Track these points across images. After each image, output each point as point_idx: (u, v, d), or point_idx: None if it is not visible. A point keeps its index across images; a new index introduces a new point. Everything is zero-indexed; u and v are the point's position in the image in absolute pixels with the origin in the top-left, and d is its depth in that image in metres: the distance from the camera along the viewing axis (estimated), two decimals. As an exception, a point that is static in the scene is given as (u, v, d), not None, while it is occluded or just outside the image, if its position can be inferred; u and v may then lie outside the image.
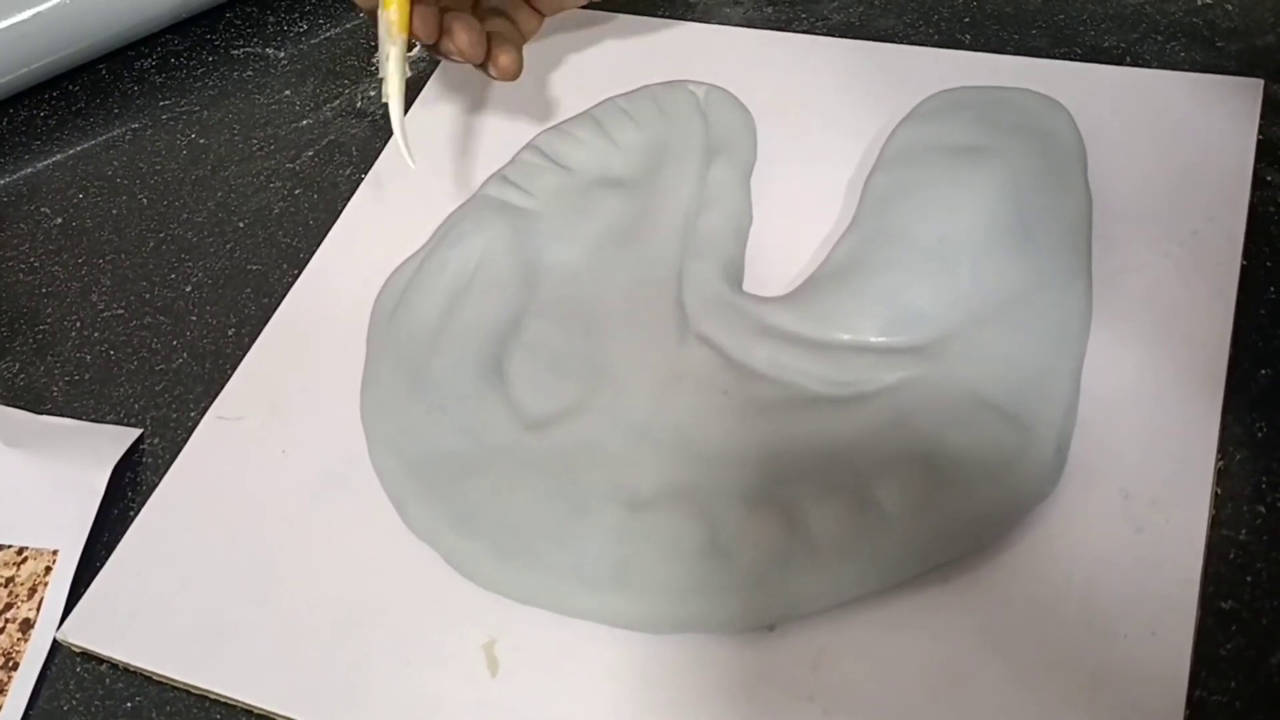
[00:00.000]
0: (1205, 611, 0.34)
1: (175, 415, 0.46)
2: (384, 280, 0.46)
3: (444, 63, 0.54)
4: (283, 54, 0.59)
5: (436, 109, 0.53)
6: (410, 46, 0.41)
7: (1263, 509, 0.36)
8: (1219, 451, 0.36)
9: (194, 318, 0.49)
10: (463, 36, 0.41)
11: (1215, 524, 0.36)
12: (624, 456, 0.39)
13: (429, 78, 0.54)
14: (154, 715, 0.38)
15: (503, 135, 0.50)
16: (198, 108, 0.58)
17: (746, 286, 0.43)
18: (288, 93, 0.57)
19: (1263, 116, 0.44)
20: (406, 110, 0.42)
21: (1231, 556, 0.35)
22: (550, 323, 0.43)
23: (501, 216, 0.45)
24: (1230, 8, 0.48)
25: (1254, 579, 0.35)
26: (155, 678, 0.39)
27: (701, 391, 0.40)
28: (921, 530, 0.35)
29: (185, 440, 0.44)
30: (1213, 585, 0.35)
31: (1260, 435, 0.37)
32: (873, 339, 0.39)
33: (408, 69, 0.41)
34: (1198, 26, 0.48)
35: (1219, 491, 0.36)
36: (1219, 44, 0.47)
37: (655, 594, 0.36)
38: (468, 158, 0.50)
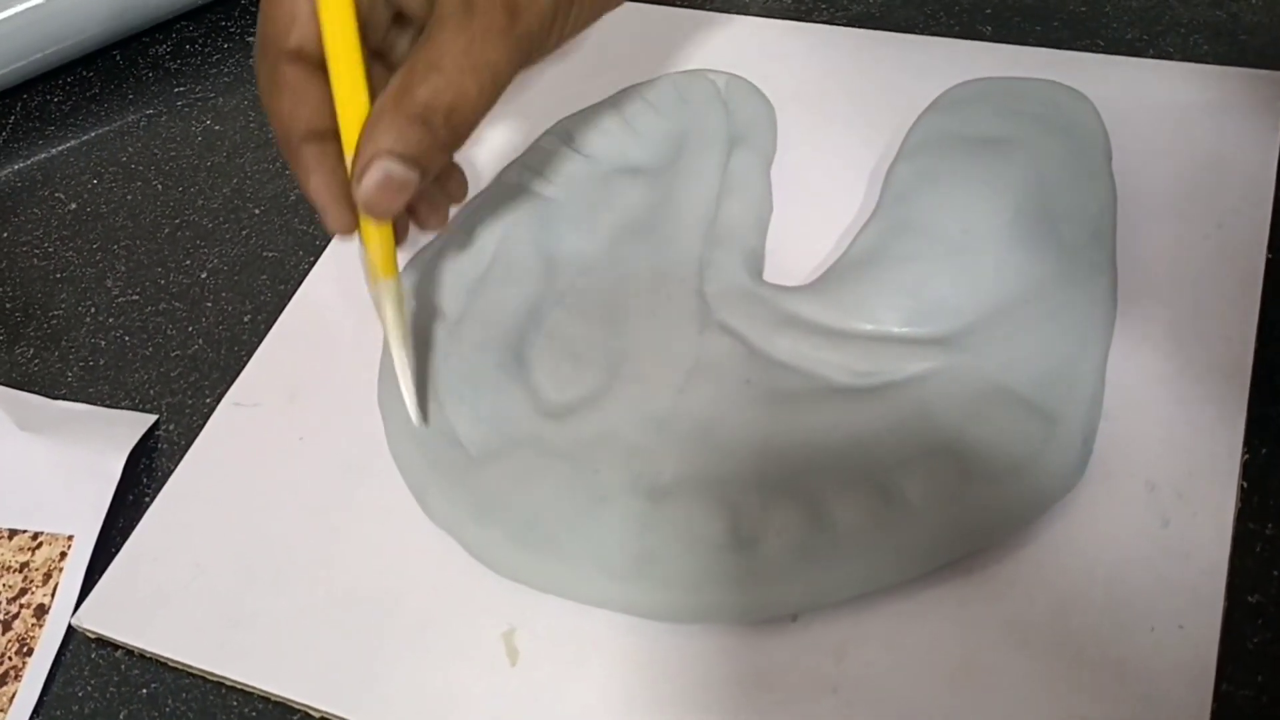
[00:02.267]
0: (1231, 605, 0.34)
1: (191, 401, 0.46)
2: (401, 266, 0.46)
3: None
4: (298, 41, 0.59)
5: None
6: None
7: (1289, 502, 0.36)
8: (1245, 444, 0.36)
9: (209, 304, 0.49)
10: (433, 220, 0.40)
11: (1241, 517, 0.35)
12: (645, 446, 0.39)
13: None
14: (170, 702, 0.38)
15: (522, 122, 0.50)
16: (213, 94, 0.57)
17: (767, 276, 0.43)
18: (303, 80, 0.57)
19: (1288, 110, 0.43)
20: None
21: (1258, 549, 0.35)
22: (570, 311, 0.43)
23: (520, 203, 0.45)
24: (1254, 1, 0.48)
25: (1280, 572, 0.35)
26: (171, 664, 0.39)
27: (723, 381, 0.40)
28: (945, 522, 0.35)
29: (201, 427, 0.44)
30: (1239, 578, 0.34)
31: (1287, 428, 0.37)
32: (896, 329, 0.39)
33: (407, 309, 0.39)
34: (1221, 20, 0.48)
35: (1245, 484, 0.36)
36: (1243, 37, 0.47)
37: (676, 584, 0.36)
38: (487, 144, 0.50)
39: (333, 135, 0.36)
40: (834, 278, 0.41)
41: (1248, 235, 0.40)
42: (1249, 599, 0.34)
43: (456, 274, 0.44)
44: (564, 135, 0.47)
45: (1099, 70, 0.46)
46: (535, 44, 0.35)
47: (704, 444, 0.38)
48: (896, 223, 0.41)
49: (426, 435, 0.40)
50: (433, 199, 0.39)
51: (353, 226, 0.37)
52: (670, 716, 0.34)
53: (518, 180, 0.46)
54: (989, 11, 0.50)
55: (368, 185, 0.34)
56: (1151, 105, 0.44)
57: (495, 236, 0.44)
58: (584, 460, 0.38)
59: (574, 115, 0.48)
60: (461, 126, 0.35)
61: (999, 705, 0.33)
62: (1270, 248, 0.40)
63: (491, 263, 0.44)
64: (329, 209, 0.36)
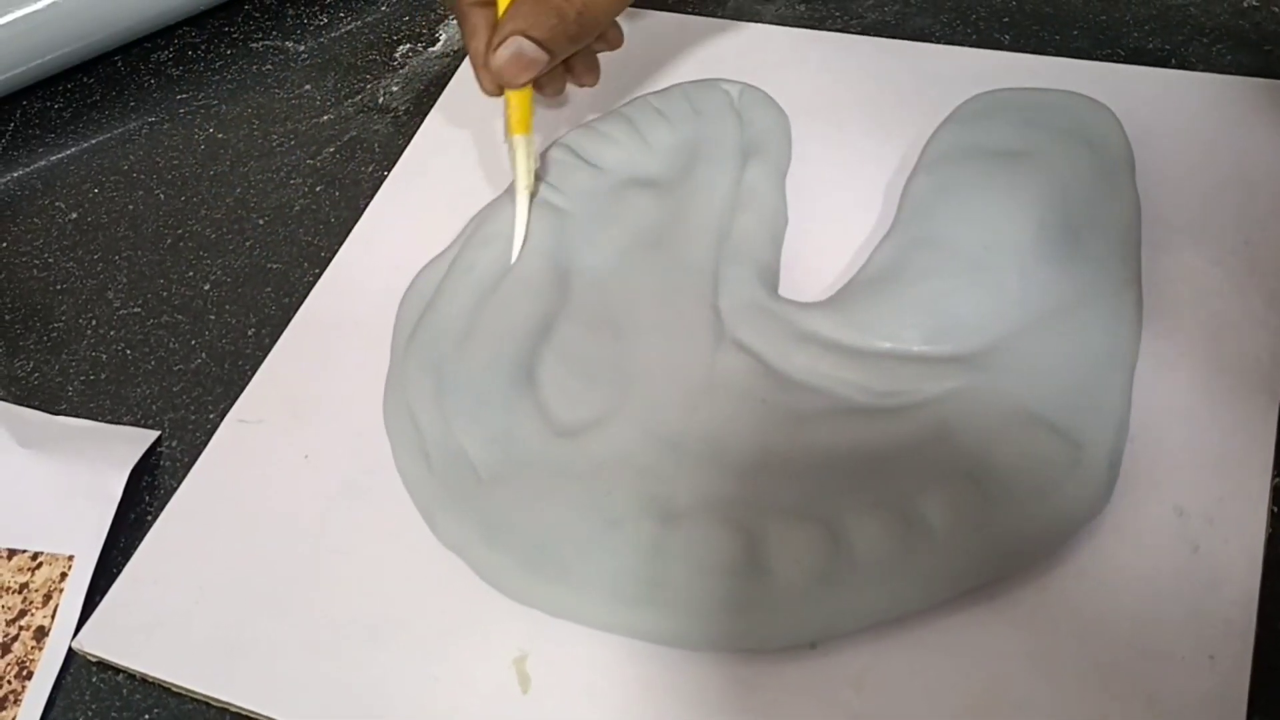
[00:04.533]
0: (1263, 634, 0.33)
1: (194, 417, 0.45)
2: (409, 280, 0.45)
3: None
4: (302, 48, 0.58)
5: (464, 105, 0.51)
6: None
7: (1321, 528, 0.35)
8: (1275, 467, 0.35)
9: (213, 317, 0.48)
10: (589, 77, 0.46)
11: (1272, 543, 0.34)
12: (657, 467, 0.38)
13: (453, 73, 0.53)
14: (172, 728, 0.37)
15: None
16: (215, 102, 0.57)
17: (783, 291, 0.42)
18: (308, 87, 0.56)
19: (1315, 122, 0.43)
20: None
21: (1289, 577, 0.34)
22: (581, 327, 0.42)
23: (531, 215, 0.44)
24: (1277, 10, 0.47)
25: (1313, 601, 0.34)
26: (173, 689, 0.38)
27: (738, 400, 0.39)
28: (968, 547, 0.34)
29: (204, 443, 0.43)
30: (1271, 606, 0.33)
31: (1317, 452, 0.36)
32: (915, 348, 0.38)
33: (535, 161, 0.44)
34: (1244, 29, 0.47)
35: (1276, 509, 0.35)
36: (1266, 47, 0.46)
37: (690, 610, 0.35)
38: (496, 155, 0.49)
39: (495, 4, 0.42)
40: (851, 294, 0.40)
41: (1275, 251, 0.40)
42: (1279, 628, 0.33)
43: (466, 287, 0.43)
44: (575, 146, 0.46)
45: (1120, 81, 0.45)
46: None
47: (718, 465, 0.37)
48: (915, 237, 0.41)
49: (434, 454, 0.39)
50: (555, 78, 0.45)
51: (495, 89, 0.43)
52: (686, 748, 0.34)
53: (528, 192, 0.45)
54: (1007, 20, 0.49)
55: (500, 57, 0.41)
56: (1175, 117, 0.44)
57: (505, 249, 0.43)
58: (595, 482, 0.38)
59: (584, 126, 0.47)
60: (590, 24, 0.41)
61: (1024, 738, 0.32)
62: (1298, 264, 0.39)
63: (502, 276, 0.43)
64: (478, 72, 0.43)
